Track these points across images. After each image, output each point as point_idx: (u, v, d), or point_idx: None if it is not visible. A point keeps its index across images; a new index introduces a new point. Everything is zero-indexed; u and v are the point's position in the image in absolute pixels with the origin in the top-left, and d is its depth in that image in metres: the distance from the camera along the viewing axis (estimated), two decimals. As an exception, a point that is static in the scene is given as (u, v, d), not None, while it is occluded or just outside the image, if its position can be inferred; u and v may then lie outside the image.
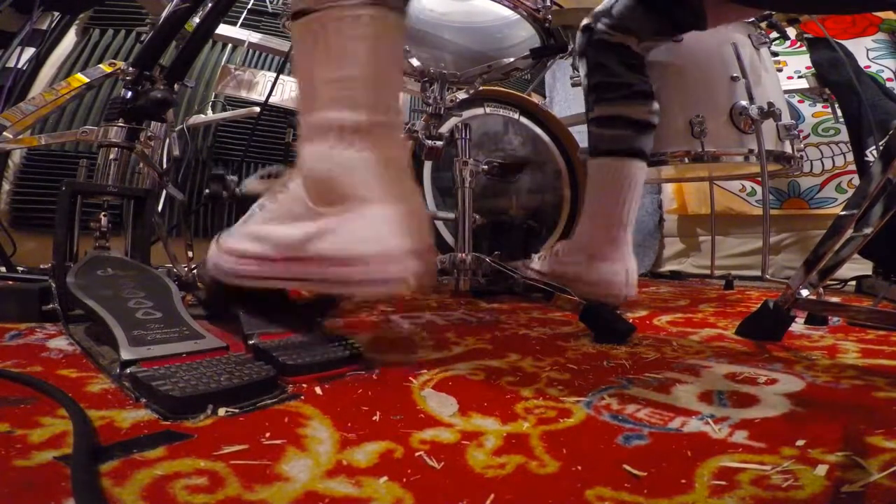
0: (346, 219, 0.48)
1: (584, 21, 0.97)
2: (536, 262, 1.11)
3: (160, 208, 1.20)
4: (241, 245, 0.55)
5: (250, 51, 1.89)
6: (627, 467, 0.28)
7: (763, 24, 1.22)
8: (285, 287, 0.53)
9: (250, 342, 0.50)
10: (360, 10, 0.51)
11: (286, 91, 1.56)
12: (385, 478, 0.26)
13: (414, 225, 0.49)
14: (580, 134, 1.19)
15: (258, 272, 0.53)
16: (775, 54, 1.26)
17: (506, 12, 0.89)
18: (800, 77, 1.62)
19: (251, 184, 0.58)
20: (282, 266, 0.51)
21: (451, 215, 1.06)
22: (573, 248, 1.03)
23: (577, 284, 0.90)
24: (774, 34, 1.24)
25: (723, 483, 0.26)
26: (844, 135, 1.46)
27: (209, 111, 1.76)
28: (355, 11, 0.51)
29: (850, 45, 1.52)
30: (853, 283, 1.31)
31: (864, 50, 1.65)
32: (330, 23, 0.51)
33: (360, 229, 0.47)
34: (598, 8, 0.96)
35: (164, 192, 1.19)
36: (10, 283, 0.74)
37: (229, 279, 0.55)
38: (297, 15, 0.53)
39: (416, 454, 0.29)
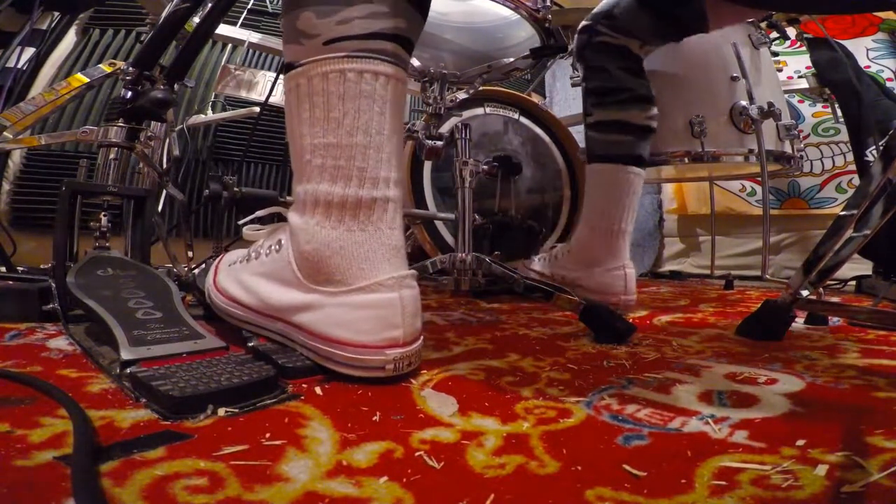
0: (331, 302, 0.45)
1: (583, 23, 0.97)
2: (537, 263, 1.11)
3: (160, 208, 1.20)
4: (232, 289, 0.55)
5: (250, 51, 1.89)
6: (627, 467, 0.28)
7: (763, 24, 1.22)
8: (271, 337, 0.52)
9: (250, 344, 0.50)
10: (347, 65, 0.45)
11: (286, 91, 1.55)
12: (385, 478, 0.26)
13: (400, 314, 0.45)
14: (580, 134, 1.19)
15: (246, 318, 0.53)
16: (775, 54, 1.26)
17: (506, 12, 0.89)
18: (800, 77, 1.62)
19: (248, 232, 0.57)
20: (268, 321, 0.51)
21: (451, 215, 1.06)
22: (572, 254, 1.03)
23: (575, 290, 0.90)
24: (774, 34, 1.24)
25: (723, 483, 0.26)
26: (844, 135, 1.46)
27: (209, 111, 1.76)
28: (340, 66, 0.45)
29: (850, 45, 1.52)
30: (853, 283, 1.31)
31: (864, 50, 1.65)
32: (315, 79, 0.46)
33: (343, 315, 0.44)
34: (597, 9, 0.96)
35: (164, 192, 1.19)
36: (10, 283, 0.73)
37: (221, 315, 0.57)
38: (286, 68, 0.49)
39: (416, 454, 0.29)
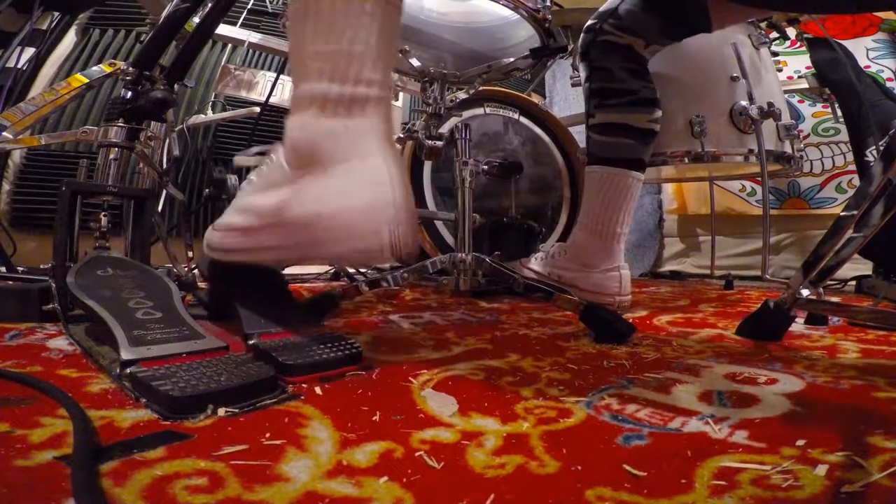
0: (318, 177, 0.47)
1: (589, 21, 0.97)
2: (534, 262, 1.11)
3: (160, 208, 1.20)
4: (227, 219, 0.55)
5: (250, 51, 1.89)
6: (627, 467, 0.28)
7: (763, 24, 1.22)
8: (270, 259, 0.51)
9: (250, 342, 0.50)
10: None
11: (286, 91, 1.56)
12: (385, 478, 0.26)
13: (389, 182, 0.45)
14: (580, 134, 1.19)
15: (242, 244, 0.53)
16: (775, 54, 1.26)
17: (506, 12, 0.89)
18: (800, 77, 1.62)
19: (242, 159, 0.56)
20: (263, 235, 0.50)
21: (451, 216, 1.06)
22: (568, 254, 1.03)
23: (571, 290, 0.90)
24: (774, 34, 1.24)
25: (723, 483, 0.26)
26: (844, 135, 1.46)
27: (209, 111, 1.76)
28: None
29: (850, 45, 1.52)
30: (853, 283, 1.31)
31: (864, 50, 1.65)
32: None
33: (329, 185, 0.45)
34: (603, 8, 0.96)
35: (164, 192, 1.19)
36: (10, 283, 0.73)
37: (219, 255, 0.56)
38: None
39: (416, 454, 0.29)
